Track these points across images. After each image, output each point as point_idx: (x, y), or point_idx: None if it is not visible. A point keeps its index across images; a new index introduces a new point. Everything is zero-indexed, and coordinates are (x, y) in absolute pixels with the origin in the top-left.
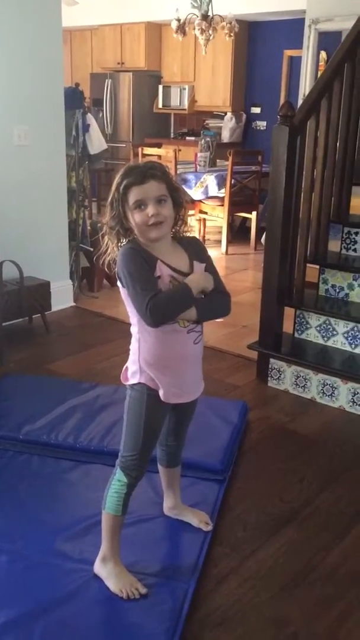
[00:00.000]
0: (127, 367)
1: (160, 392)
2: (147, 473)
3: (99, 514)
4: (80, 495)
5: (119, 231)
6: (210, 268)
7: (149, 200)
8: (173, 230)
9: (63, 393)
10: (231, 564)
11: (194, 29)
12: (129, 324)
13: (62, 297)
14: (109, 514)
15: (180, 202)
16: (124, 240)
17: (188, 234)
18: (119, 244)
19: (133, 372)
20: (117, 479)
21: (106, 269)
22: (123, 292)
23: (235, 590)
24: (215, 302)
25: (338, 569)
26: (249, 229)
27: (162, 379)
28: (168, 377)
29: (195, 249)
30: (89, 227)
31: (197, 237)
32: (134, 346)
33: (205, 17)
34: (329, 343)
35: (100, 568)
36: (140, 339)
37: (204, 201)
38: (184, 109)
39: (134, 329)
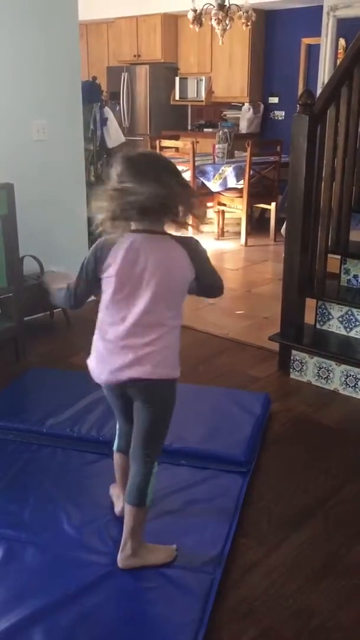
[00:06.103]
0: (164, 359)
1: None
2: (170, 466)
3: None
4: (104, 487)
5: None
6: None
7: None
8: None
9: (86, 386)
10: (257, 555)
11: (211, 19)
12: None
13: None
14: (147, 507)
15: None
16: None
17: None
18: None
19: (174, 364)
20: (156, 472)
21: None
22: None
23: (261, 581)
24: None
25: None
26: (268, 220)
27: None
28: None
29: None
30: None
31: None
32: (175, 337)
33: (221, 6)
34: (352, 334)
35: (134, 561)
36: (176, 330)
37: (222, 193)
38: (201, 101)
39: (174, 322)
